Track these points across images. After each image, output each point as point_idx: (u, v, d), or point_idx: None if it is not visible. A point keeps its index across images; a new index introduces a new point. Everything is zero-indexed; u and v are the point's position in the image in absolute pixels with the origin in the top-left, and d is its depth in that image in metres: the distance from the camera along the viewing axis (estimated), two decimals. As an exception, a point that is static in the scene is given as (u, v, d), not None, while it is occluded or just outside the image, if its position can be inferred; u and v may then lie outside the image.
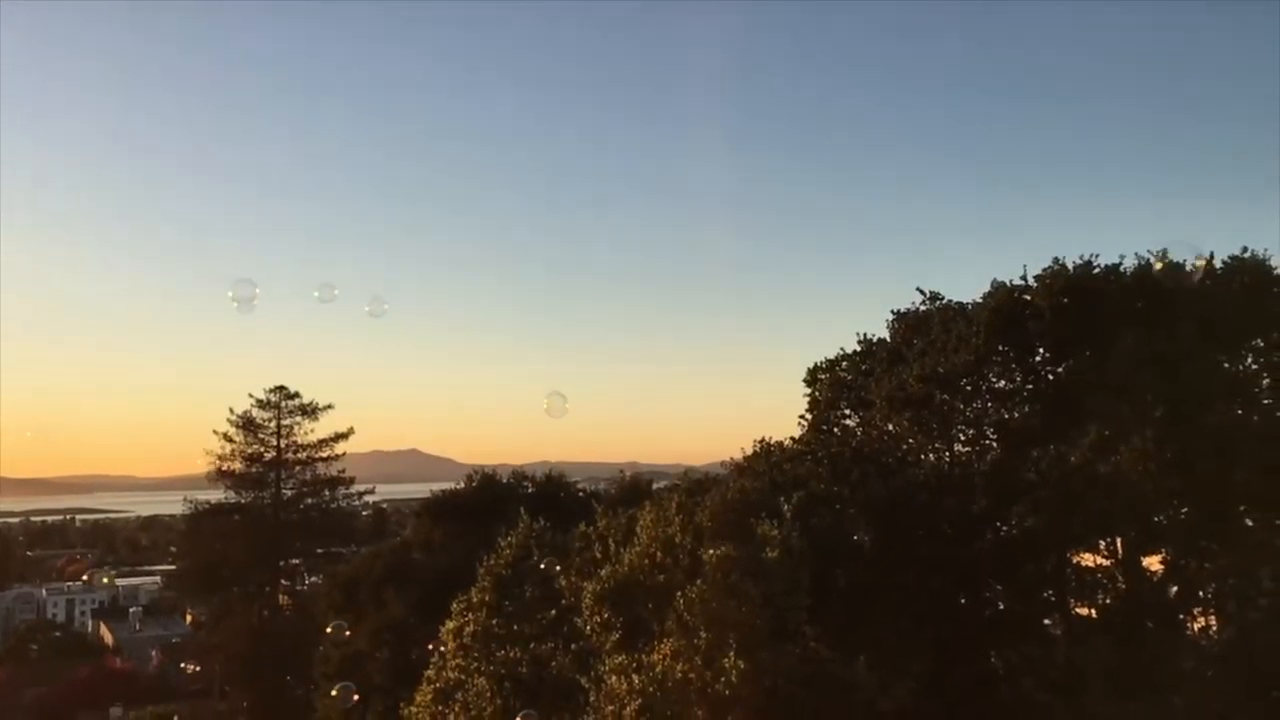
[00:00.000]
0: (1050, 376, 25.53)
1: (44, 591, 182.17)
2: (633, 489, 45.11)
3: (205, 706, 75.25)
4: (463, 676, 23.34)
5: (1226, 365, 24.12)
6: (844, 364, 29.46)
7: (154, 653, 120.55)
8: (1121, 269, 25.37)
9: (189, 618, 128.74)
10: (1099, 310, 24.37)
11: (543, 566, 23.34)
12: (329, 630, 33.29)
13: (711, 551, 20.14)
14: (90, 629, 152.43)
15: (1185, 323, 23.22)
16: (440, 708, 23.52)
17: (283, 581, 72.89)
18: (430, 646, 27.35)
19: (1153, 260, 25.16)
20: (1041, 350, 25.48)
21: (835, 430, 28.77)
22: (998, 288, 26.06)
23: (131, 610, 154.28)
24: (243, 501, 71.52)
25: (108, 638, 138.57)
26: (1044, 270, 25.71)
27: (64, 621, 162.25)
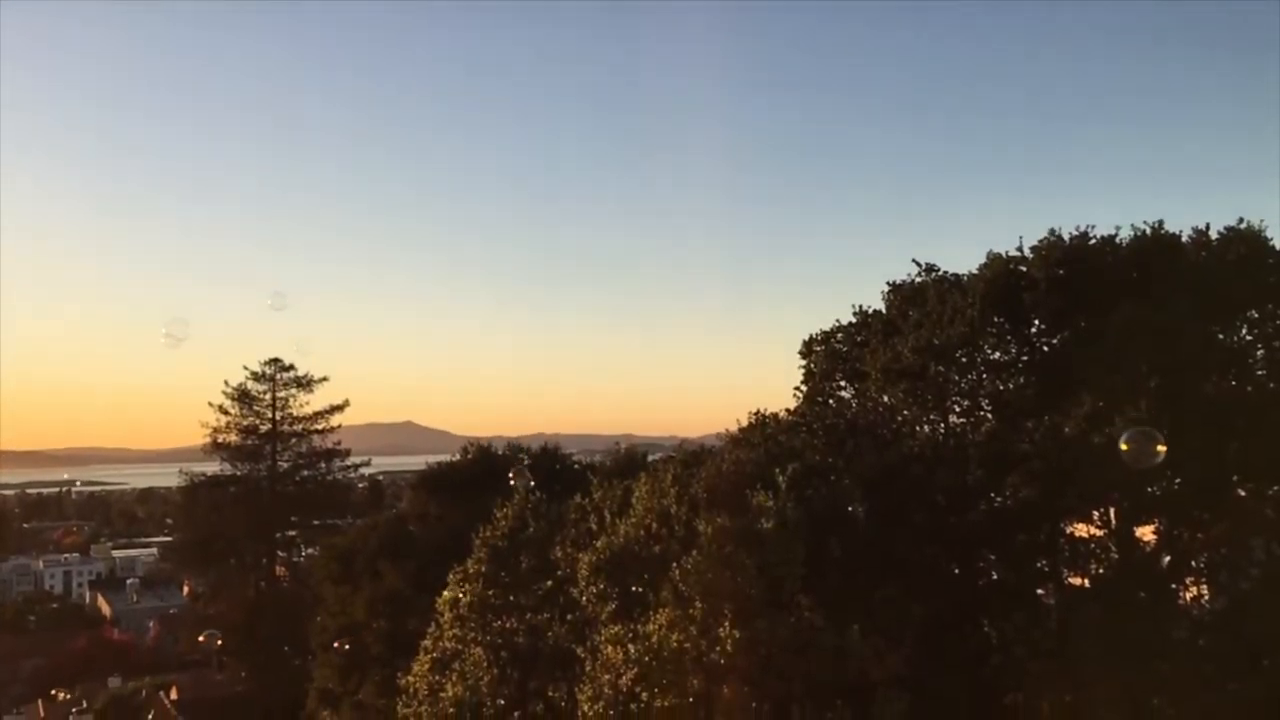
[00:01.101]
0: (1045, 348, 25.57)
1: (41, 563, 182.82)
2: (628, 461, 45.19)
3: (203, 677, 75.73)
4: (459, 646, 23.48)
5: (1221, 337, 24.17)
6: (839, 336, 29.46)
7: (151, 624, 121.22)
8: (1118, 240, 25.35)
9: (186, 589, 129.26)
10: (1095, 281, 24.37)
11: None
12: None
13: (707, 523, 20.23)
14: (88, 600, 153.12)
15: (1180, 294, 23.23)
16: (437, 677, 23.69)
17: (279, 553, 73.14)
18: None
19: (1148, 231, 25.18)
20: (1037, 322, 25.50)
21: (830, 402, 28.82)
22: (993, 259, 26.05)
23: (129, 582, 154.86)
24: (238, 474, 71.62)
25: (105, 609, 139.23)
26: (1040, 241, 25.69)
27: (61, 593, 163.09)
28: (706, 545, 19.87)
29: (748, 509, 20.61)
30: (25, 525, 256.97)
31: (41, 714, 69.73)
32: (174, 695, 63.17)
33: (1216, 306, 23.74)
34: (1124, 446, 13.25)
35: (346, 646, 27.23)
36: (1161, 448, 13.23)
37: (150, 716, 57.91)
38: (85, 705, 61.76)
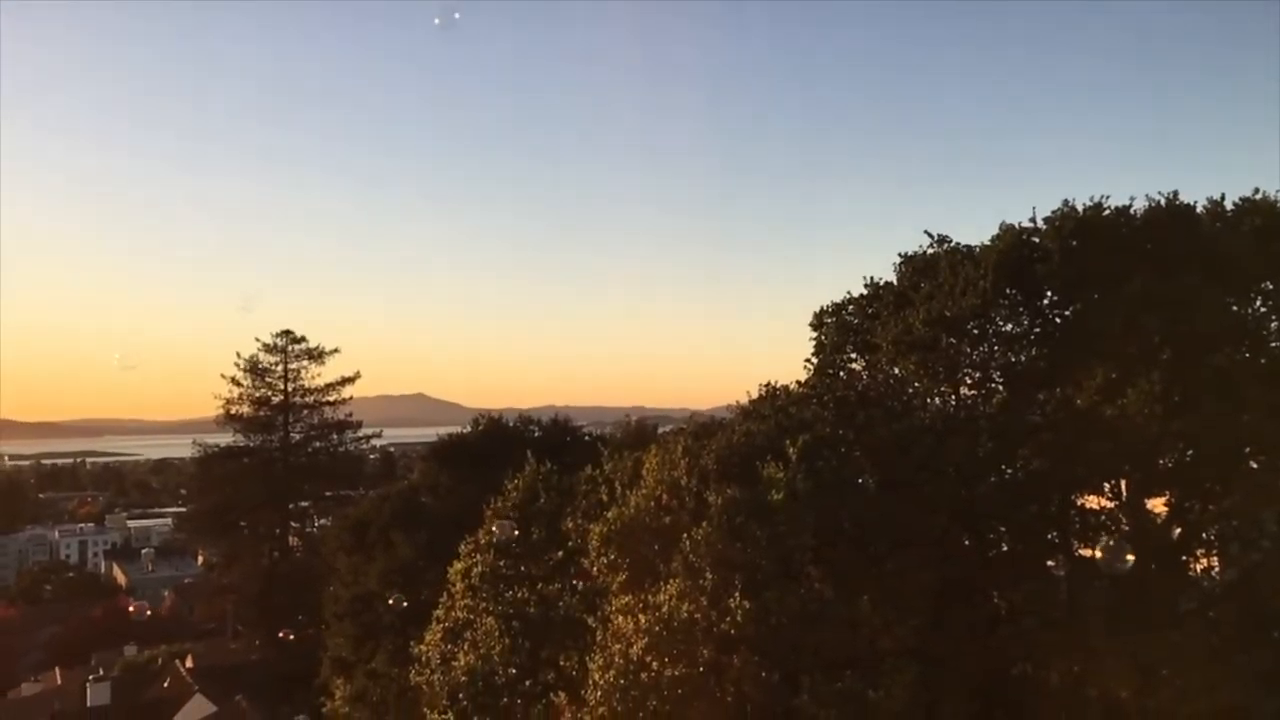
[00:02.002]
0: (1057, 320, 25.42)
1: (56, 533, 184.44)
2: (638, 433, 45.31)
3: (218, 645, 76.46)
4: (471, 616, 23.66)
5: (1235, 308, 23.99)
6: (850, 308, 29.34)
7: (167, 593, 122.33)
8: (1132, 211, 25.13)
9: (201, 559, 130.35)
10: (1108, 253, 24.20)
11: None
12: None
13: (717, 494, 20.28)
14: (103, 570, 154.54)
15: (1194, 265, 23.07)
16: (450, 646, 23.87)
17: (292, 524, 73.70)
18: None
19: (1162, 202, 24.98)
20: (1049, 293, 25.33)
21: (841, 374, 28.74)
22: (1006, 230, 25.85)
23: (144, 552, 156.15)
24: (251, 445, 72.07)
25: (120, 578, 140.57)
26: (1053, 212, 25.49)
27: (77, 563, 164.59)
28: (717, 516, 19.94)
29: (758, 480, 20.65)
30: (41, 496, 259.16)
31: (59, 682, 70.55)
32: (189, 663, 63.79)
33: (1231, 278, 23.56)
34: (1098, 554, 14.08)
35: (404, 603, 27.36)
36: (1130, 556, 14.08)
37: (166, 684, 58.54)
38: (102, 673, 62.42)
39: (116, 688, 56.34)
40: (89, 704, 52.91)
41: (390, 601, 33.84)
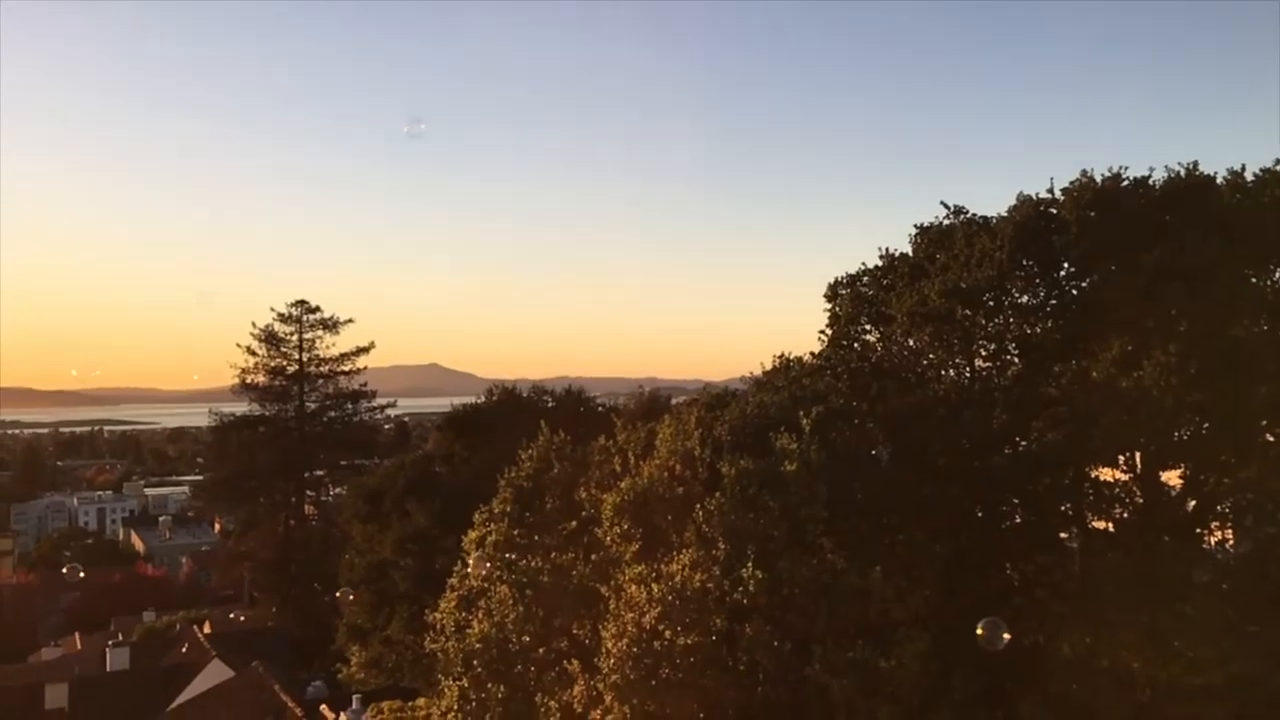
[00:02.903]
0: (1074, 291, 25.26)
1: (75, 500, 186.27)
2: (652, 404, 45.42)
3: (235, 611, 77.24)
4: (485, 584, 23.80)
5: (1254, 280, 23.80)
6: (865, 279, 29.20)
7: (184, 560, 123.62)
8: (1150, 182, 24.89)
9: (217, 526, 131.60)
10: (1126, 224, 23.99)
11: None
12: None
13: (730, 465, 20.31)
14: (121, 537, 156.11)
15: (1213, 237, 22.86)
16: (464, 614, 24.05)
17: (308, 492, 74.23)
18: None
19: (1182, 173, 24.73)
20: (1066, 264, 25.16)
21: (855, 345, 28.65)
22: (1023, 201, 25.65)
23: (161, 519, 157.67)
24: (267, 414, 72.48)
25: (138, 545, 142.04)
26: (1071, 183, 25.27)
27: (95, 529, 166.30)
28: (730, 487, 19.99)
29: (771, 452, 20.67)
30: (59, 463, 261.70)
31: (79, 647, 71.45)
32: (207, 629, 64.49)
33: (1250, 249, 23.34)
34: (979, 631, 14.51)
35: (480, 571, 27.32)
36: (1007, 635, 14.48)
37: (184, 649, 59.22)
38: (121, 639, 63.20)
39: (135, 653, 57.04)
40: (108, 668, 53.57)
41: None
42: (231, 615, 61.48)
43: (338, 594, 23.37)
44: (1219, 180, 24.71)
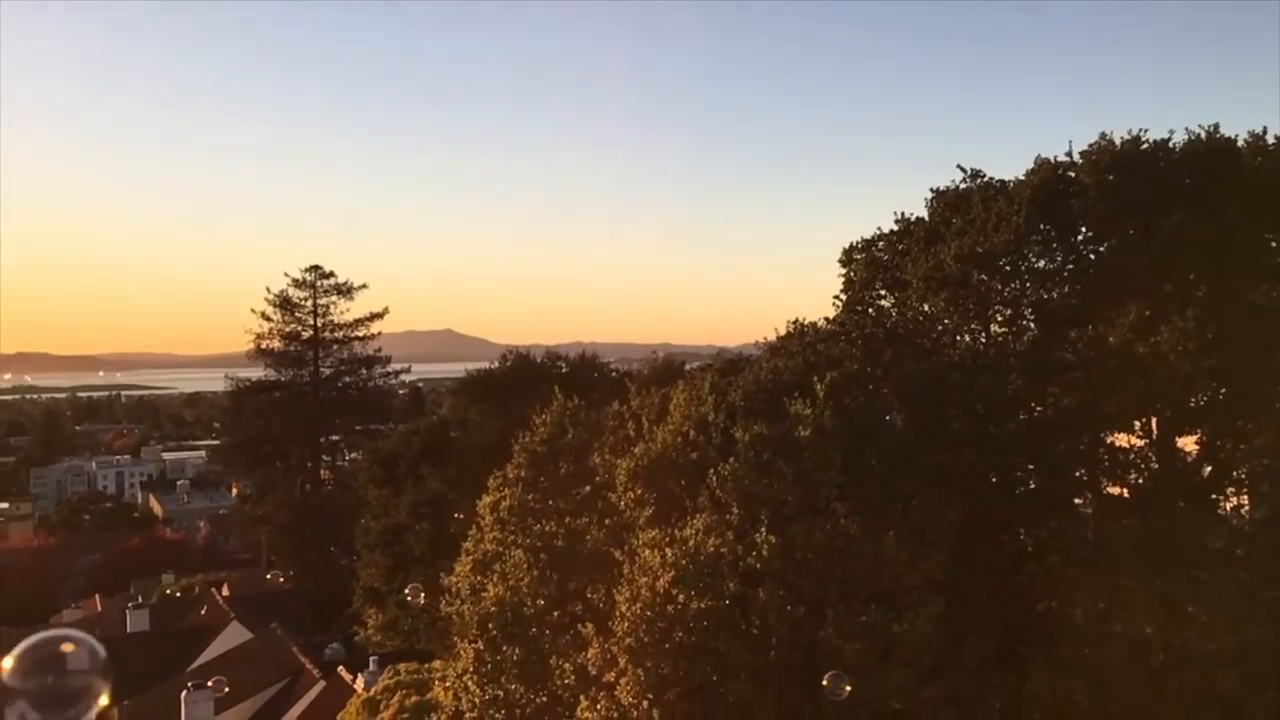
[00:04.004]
0: (1092, 256, 25.06)
1: (94, 464, 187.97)
2: (666, 369, 45.45)
3: (253, 575, 78.04)
4: (500, 549, 23.95)
5: (1274, 244, 23.56)
6: (880, 244, 29.01)
7: (202, 523, 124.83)
8: (1171, 145, 24.58)
9: (235, 490, 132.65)
10: (1145, 188, 23.73)
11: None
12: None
13: (744, 430, 20.32)
14: (140, 500, 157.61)
15: (1234, 200, 22.60)
16: (479, 578, 24.23)
17: (323, 457, 74.69)
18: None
19: (1203, 135, 24.42)
20: (1084, 229, 24.94)
21: (870, 311, 28.53)
22: (1041, 164, 25.38)
23: (179, 483, 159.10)
24: (282, 379, 72.81)
25: (157, 509, 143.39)
26: (1090, 146, 24.98)
27: (114, 493, 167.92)
28: (744, 452, 20.00)
29: (785, 417, 20.66)
30: (78, 427, 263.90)
31: (99, 609, 72.39)
32: (225, 592, 65.21)
33: (1270, 213, 23.07)
34: (824, 683, 15.00)
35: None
36: (848, 687, 14.93)
37: (204, 612, 59.92)
38: (141, 601, 63.99)
39: (155, 615, 57.78)
40: (129, 630, 54.30)
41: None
42: (270, 576, 62.17)
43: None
44: (1240, 143, 24.39)
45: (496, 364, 53.79)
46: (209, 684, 36.27)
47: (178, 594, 72.18)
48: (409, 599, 24.45)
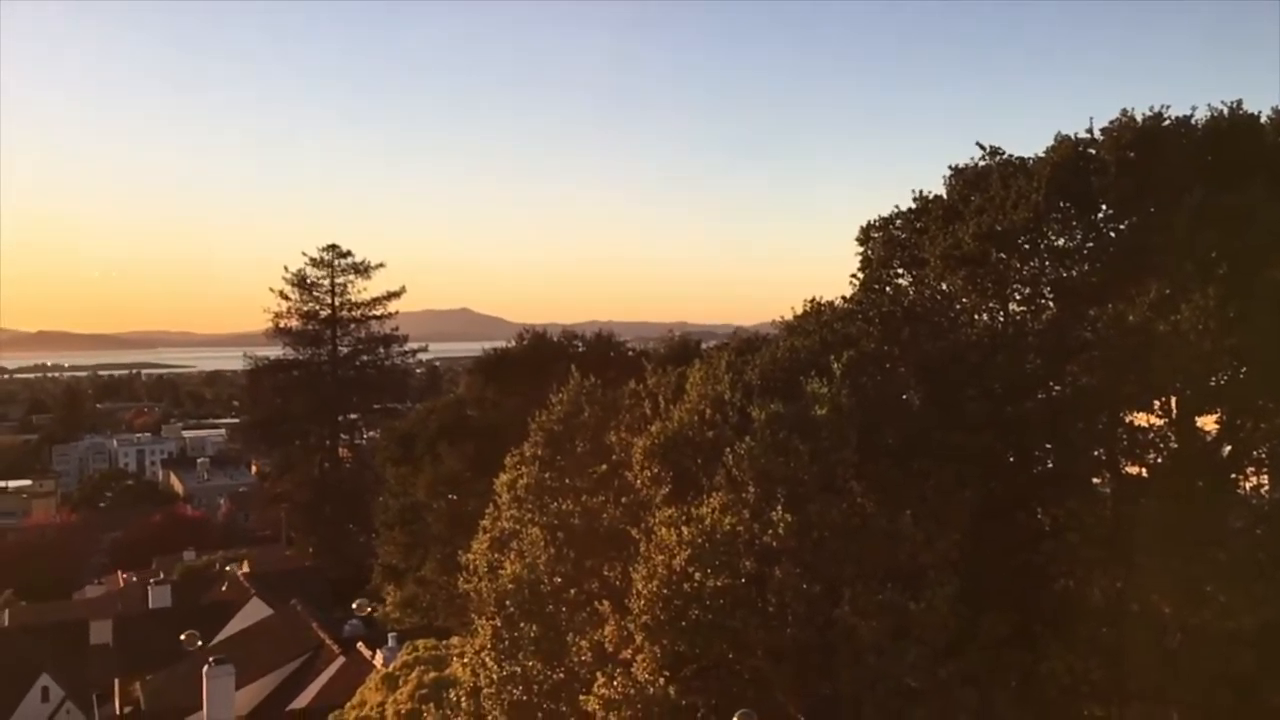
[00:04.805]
0: (1112, 234, 24.84)
1: (115, 442, 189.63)
2: (682, 348, 45.37)
3: (273, 552, 78.72)
4: (517, 526, 24.07)
5: (1298, 221, 23.29)
6: (898, 222, 28.84)
7: (222, 501, 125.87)
8: (1193, 121, 24.31)
9: (254, 468, 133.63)
10: (1167, 165, 23.48)
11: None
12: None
13: (760, 409, 20.30)
14: (161, 478, 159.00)
15: (1256, 177, 22.35)
16: (496, 555, 24.37)
17: (341, 435, 75.14)
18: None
19: (1225, 112, 24.14)
20: (1104, 206, 24.70)
21: (887, 289, 28.40)
22: (1061, 141, 25.13)
23: (199, 461, 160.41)
24: (300, 358, 73.18)
25: (177, 486, 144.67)
26: (1111, 123, 24.71)
27: (135, 471, 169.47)
28: (760, 431, 19.99)
29: (802, 396, 20.63)
30: (99, 406, 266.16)
31: (121, 585, 73.20)
32: (245, 568, 65.81)
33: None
34: None
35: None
36: None
37: (224, 588, 60.49)
38: (162, 577, 64.67)
39: (177, 591, 58.39)
40: (150, 606, 54.91)
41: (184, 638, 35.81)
42: (289, 553, 62.84)
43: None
44: (1263, 120, 24.10)
45: (513, 343, 53.91)
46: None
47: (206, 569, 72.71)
48: (355, 610, 24.50)
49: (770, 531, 19.00)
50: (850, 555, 19.17)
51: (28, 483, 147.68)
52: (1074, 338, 23.43)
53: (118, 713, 45.63)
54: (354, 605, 43.30)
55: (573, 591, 22.50)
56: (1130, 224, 24.25)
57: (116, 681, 47.15)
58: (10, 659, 52.49)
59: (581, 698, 20.42)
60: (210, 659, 33.76)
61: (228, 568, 65.88)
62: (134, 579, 70.39)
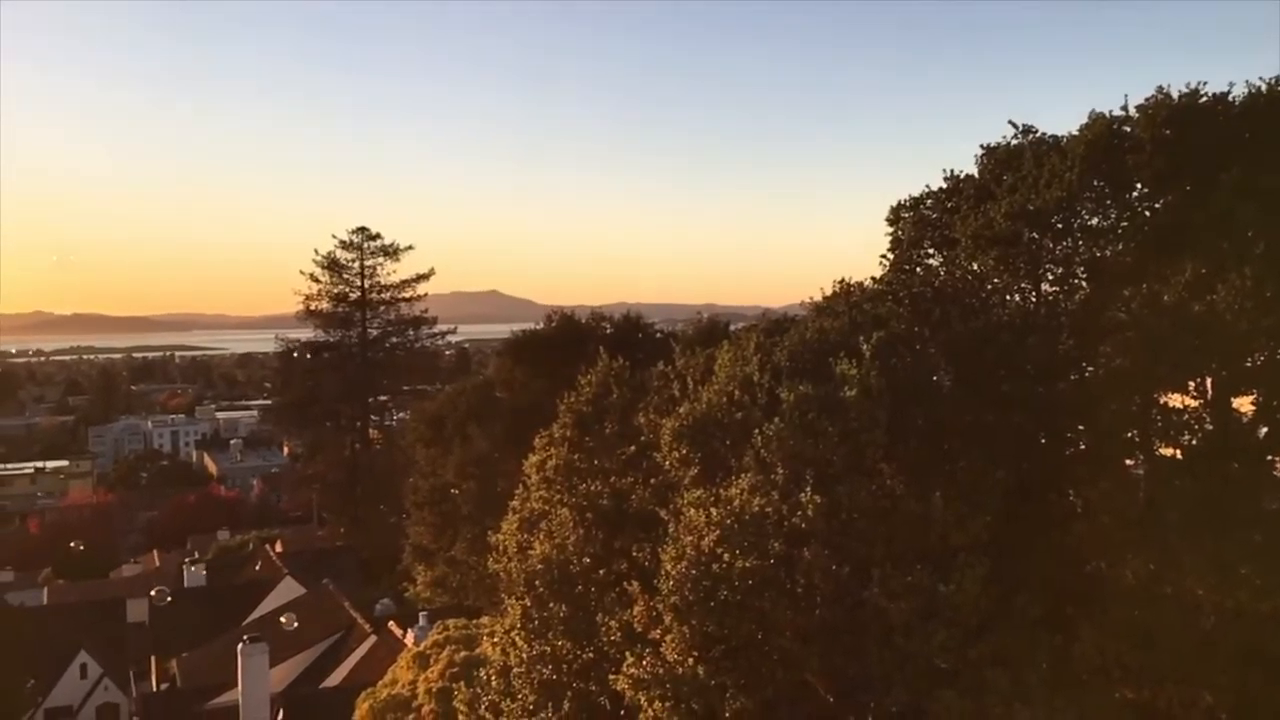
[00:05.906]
0: (1147, 213, 24.52)
1: (150, 423, 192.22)
2: (710, 330, 45.32)
3: (305, 532, 79.58)
4: (546, 507, 24.17)
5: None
6: (929, 202, 28.60)
7: (255, 481, 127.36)
8: (1230, 98, 23.91)
9: (286, 449, 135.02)
10: (1204, 143, 23.13)
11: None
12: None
13: (789, 390, 20.24)
14: (194, 459, 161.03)
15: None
16: (526, 536, 24.49)
17: (372, 416, 75.75)
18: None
19: (1264, 88, 23.73)
20: (1139, 185, 24.38)
21: (917, 270, 28.19)
22: (1095, 119, 24.79)
23: (232, 442, 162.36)
24: (331, 340, 73.77)
25: (211, 467, 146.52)
26: (1146, 100, 24.35)
27: (170, 452, 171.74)
28: (789, 412, 19.93)
29: (831, 377, 20.54)
30: (134, 388, 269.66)
31: (157, 564, 74.29)
32: (278, 548, 66.61)
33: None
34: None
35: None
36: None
37: (258, 567, 61.26)
38: (197, 556, 65.57)
39: (211, 570, 59.26)
40: (185, 585, 55.75)
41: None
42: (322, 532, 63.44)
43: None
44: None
45: (542, 325, 53.98)
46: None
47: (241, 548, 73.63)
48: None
49: (799, 513, 18.96)
50: (880, 536, 19.11)
51: (65, 463, 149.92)
52: (1108, 318, 23.19)
53: (154, 689, 46.42)
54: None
55: (602, 572, 22.59)
56: (1166, 203, 23.93)
57: (153, 659, 47.92)
58: (50, 637, 53.54)
59: (611, 677, 20.51)
60: (245, 637, 34.27)
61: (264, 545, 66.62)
62: (171, 557, 71.42)
